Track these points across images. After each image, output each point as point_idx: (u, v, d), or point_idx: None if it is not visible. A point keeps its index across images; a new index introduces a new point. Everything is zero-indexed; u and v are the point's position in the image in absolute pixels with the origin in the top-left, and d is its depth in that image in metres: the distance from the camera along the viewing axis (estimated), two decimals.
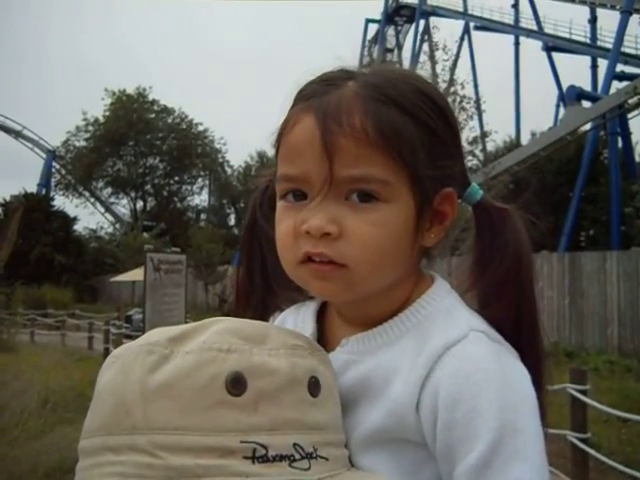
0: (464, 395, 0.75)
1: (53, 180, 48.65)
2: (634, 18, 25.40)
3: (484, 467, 0.72)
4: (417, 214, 0.82)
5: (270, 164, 1.01)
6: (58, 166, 48.80)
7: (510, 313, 0.86)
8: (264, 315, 0.98)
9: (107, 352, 14.65)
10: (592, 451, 5.70)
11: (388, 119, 0.78)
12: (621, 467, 5.41)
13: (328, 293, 0.84)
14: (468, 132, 22.74)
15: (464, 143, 23.16)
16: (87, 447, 0.74)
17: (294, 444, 0.71)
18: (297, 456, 0.71)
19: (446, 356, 0.78)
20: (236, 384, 0.71)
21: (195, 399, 0.70)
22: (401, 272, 0.85)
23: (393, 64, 0.91)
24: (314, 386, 0.76)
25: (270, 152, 0.93)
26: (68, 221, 43.07)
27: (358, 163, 0.77)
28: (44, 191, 46.62)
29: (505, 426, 0.73)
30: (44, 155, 48.36)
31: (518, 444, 0.73)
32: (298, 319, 0.98)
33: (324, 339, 0.92)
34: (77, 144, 48.28)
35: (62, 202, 47.25)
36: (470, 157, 23.94)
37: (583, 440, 5.71)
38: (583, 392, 5.85)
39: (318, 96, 0.81)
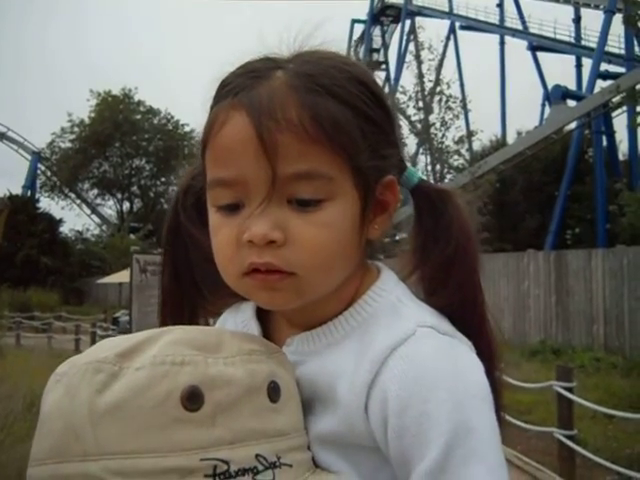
0: (413, 400, 0.71)
1: (38, 182, 48.21)
2: (617, 17, 25.56)
3: (439, 472, 0.69)
4: (362, 207, 0.78)
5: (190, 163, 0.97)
6: (43, 168, 48.39)
7: (457, 298, 0.82)
8: (192, 319, 0.92)
9: None
10: (579, 448, 5.73)
11: (326, 111, 0.73)
12: (607, 463, 5.45)
13: (277, 303, 0.78)
14: (454, 131, 22.89)
15: (451, 142, 23.31)
16: (36, 476, 0.68)
17: (256, 455, 0.68)
18: (260, 467, 0.68)
19: (392, 358, 0.74)
20: (192, 399, 0.67)
21: (149, 419, 0.66)
22: (350, 270, 0.81)
23: (321, 49, 0.82)
24: (273, 391, 0.73)
25: None
26: (54, 223, 42.73)
27: (299, 160, 0.72)
28: (29, 193, 46.19)
29: (458, 427, 0.69)
30: (29, 157, 47.93)
31: (473, 444, 0.69)
32: (238, 320, 0.92)
33: (269, 340, 0.86)
34: (62, 145, 47.92)
35: (47, 204, 46.87)
36: (456, 156, 24.07)
37: (570, 437, 5.75)
38: (569, 389, 5.89)
39: (247, 90, 0.75)
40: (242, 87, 0.75)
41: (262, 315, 0.91)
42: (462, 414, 0.70)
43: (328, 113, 0.73)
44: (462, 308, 0.83)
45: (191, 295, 0.92)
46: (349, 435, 0.76)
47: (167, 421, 0.66)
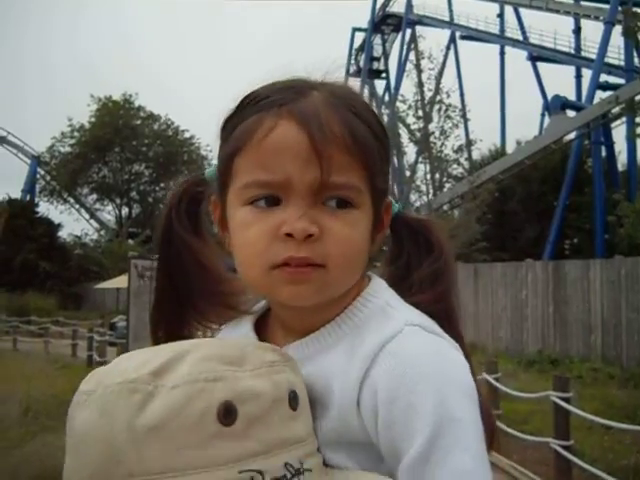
0: (400, 392, 0.75)
1: (37, 186, 48.15)
2: (617, 29, 25.67)
3: (424, 461, 0.73)
4: (373, 222, 0.86)
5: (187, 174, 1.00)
6: (43, 172, 48.32)
7: (441, 297, 0.91)
8: (181, 327, 0.94)
9: (91, 359, 14.55)
10: (575, 459, 5.72)
11: (359, 131, 0.82)
12: (604, 475, 5.44)
13: (301, 296, 0.81)
14: (453, 140, 22.93)
15: (450, 151, 23.37)
16: None
17: (285, 464, 0.71)
18: (289, 475, 0.71)
19: (381, 354, 0.79)
20: (228, 414, 0.69)
21: (189, 436, 0.68)
22: (359, 276, 0.87)
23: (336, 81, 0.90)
24: (294, 400, 0.76)
25: None
26: (52, 227, 42.73)
27: (341, 170, 0.79)
28: (28, 197, 46.23)
29: (443, 418, 0.73)
30: (28, 161, 47.96)
31: (458, 434, 0.73)
32: (236, 335, 0.94)
33: None
34: (62, 150, 47.82)
35: (46, 208, 46.83)
36: (455, 165, 24.10)
37: (566, 447, 5.74)
38: (566, 400, 5.88)
39: (292, 103, 0.81)
40: (286, 100, 0.82)
41: (259, 327, 0.94)
42: (446, 407, 0.74)
43: (361, 133, 0.82)
44: (443, 304, 0.91)
45: (184, 303, 0.94)
46: (346, 432, 0.80)
47: (206, 437, 0.68)
